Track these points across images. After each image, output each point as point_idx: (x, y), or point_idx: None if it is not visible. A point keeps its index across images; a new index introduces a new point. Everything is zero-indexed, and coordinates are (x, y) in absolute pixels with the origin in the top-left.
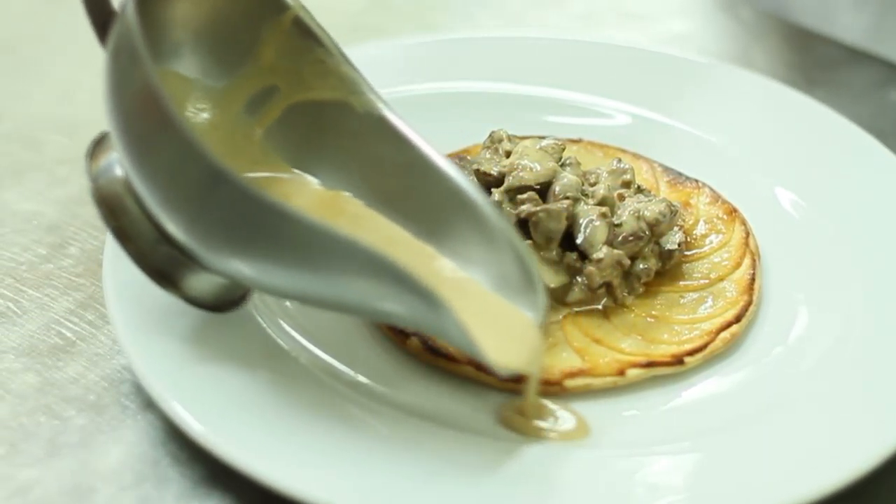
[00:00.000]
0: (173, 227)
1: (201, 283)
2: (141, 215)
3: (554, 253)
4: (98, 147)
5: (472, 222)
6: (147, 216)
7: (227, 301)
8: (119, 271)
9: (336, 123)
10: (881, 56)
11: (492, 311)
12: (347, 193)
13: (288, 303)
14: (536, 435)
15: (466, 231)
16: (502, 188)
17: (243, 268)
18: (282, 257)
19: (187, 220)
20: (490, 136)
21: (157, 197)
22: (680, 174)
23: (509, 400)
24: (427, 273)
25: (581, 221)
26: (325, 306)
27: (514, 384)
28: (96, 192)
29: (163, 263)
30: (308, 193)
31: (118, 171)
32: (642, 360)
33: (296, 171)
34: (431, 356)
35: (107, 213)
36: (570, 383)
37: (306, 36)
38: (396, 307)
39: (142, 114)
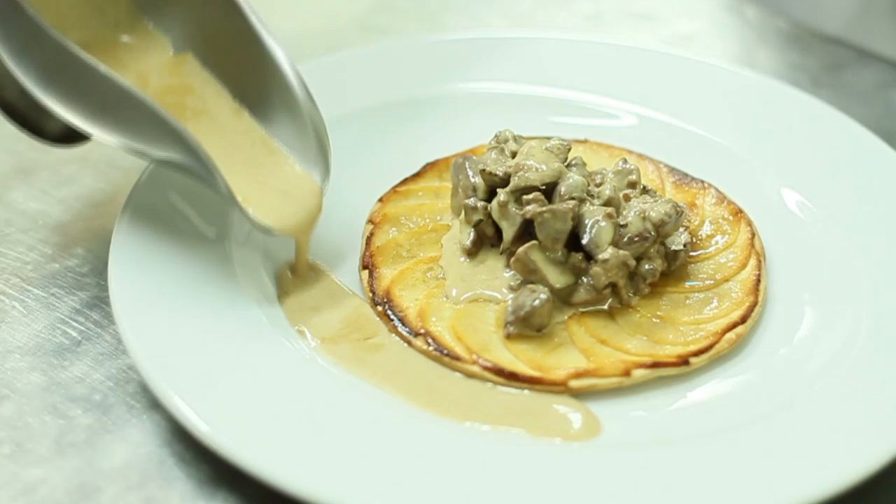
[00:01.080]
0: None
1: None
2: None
3: (559, 253)
4: None
5: (283, 95)
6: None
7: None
8: (124, 271)
9: None
10: (863, 46)
11: (280, 176)
12: (190, 54)
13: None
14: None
15: (277, 100)
16: (508, 188)
17: (65, 112)
18: (89, 104)
19: (31, 72)
20: (496, 136)
21: (9, 53)
22: (685, 175)
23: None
24: (221, 129)
25: (587, 222)
26: (123, 148)
27: (520, 382)
28: None
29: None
30: (158, 57)
31: None
32: (648, 360)
33: (150, 25)
34: (437, 354)
35: None
36: (576, 383)
37: None
38: (175, 156)
39: None
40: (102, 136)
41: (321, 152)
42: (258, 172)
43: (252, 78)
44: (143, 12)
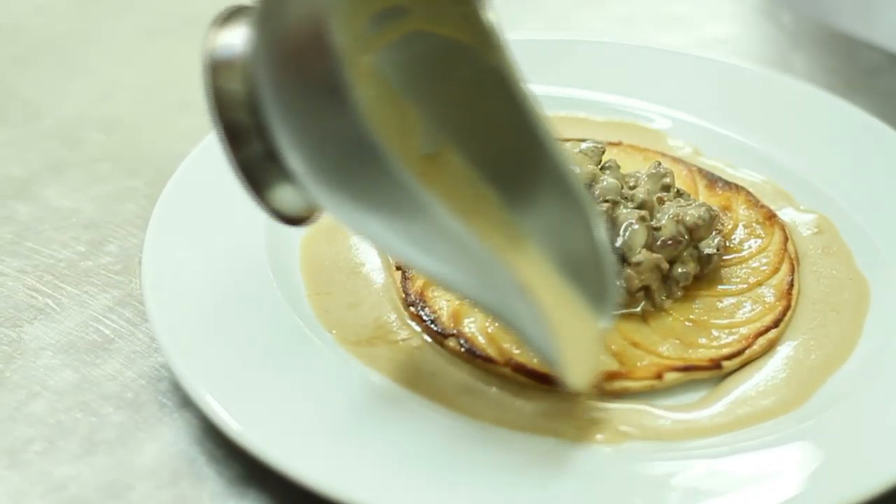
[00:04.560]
0: (288, 148)
1: (284, 196)
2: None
3: None
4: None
5: (565, 206)
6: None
7: (301, 218)
8: (157, 269)
9: (457, 67)
10: None
11: (569, 316)
12: (450, 146)
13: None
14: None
15: (554, 214)
16: None
17: (339, 206)
18: (377, 208)
19: (304, 145)
20: None
21: (279, 113)
22: (719, 178)
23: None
24: (513, 260)
25: (620, 225)
26: (416, 268)
27: (553, 384)
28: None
29: (256, 169)
30: (412, 142)
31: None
32: (680, 364)
33: (405, 99)
34: (470, 356)
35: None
36: (607, 386)
37: None
38: (481, 294)
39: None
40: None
41: (606, 288)
42: (555, 315)
43: (527, 184)
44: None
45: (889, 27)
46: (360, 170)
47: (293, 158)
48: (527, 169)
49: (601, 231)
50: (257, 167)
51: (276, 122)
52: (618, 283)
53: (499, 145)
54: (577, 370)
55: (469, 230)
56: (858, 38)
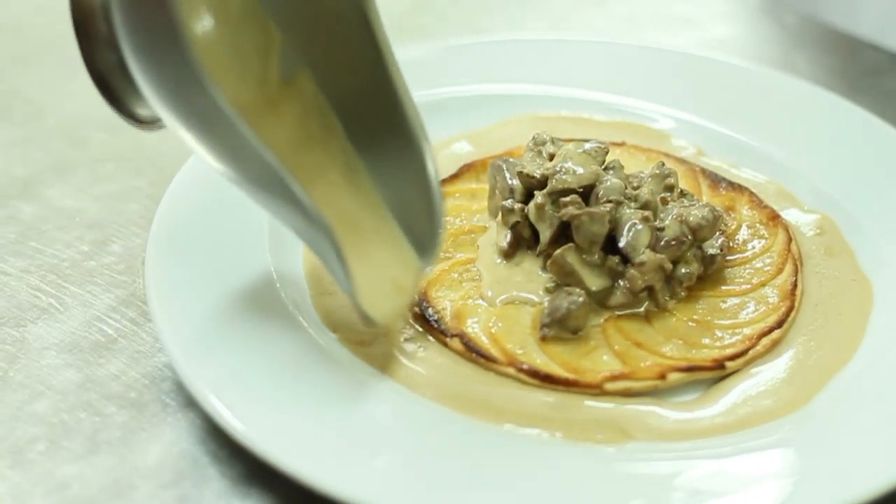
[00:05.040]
0: (132, 63)
1: (135, 104)
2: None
3: (596, 256)
4: None
5: (405, 154)
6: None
7: (153, 121)
8: (161, 269)
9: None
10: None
11: (383, 252)
12: (306, 73)
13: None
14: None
15: (395, 158)
16: (545, 191)
17: (174, 124)
18: (203, 133)
19: (146, 69)
20: (534, 138)
21: (124, 31)
22: (722, 179)
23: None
24: (333, 196)
25: (624, 225)
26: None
27: (556, 384)
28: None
29: (109, 76)
30: (272, 63)
31: None
32: (683, 364)
33: (270, 20)
34: (472, 356)
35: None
36: (611, 386)
37: None
38: (292, 221)
39: None
40: (213, 165)
41: (433, 234)
42: (365, 247)
43: (372, 122)
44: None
45: (872, 20)
46: (189, 98)
47: (136, 74)
48: (375, 109)
49: (435, 181)
50: (111, 74)
51: (122, 37)
52: (442, 230)
53: (352, 82)
54: (380, 306)
55: (281, 164)
56: (843, 31)
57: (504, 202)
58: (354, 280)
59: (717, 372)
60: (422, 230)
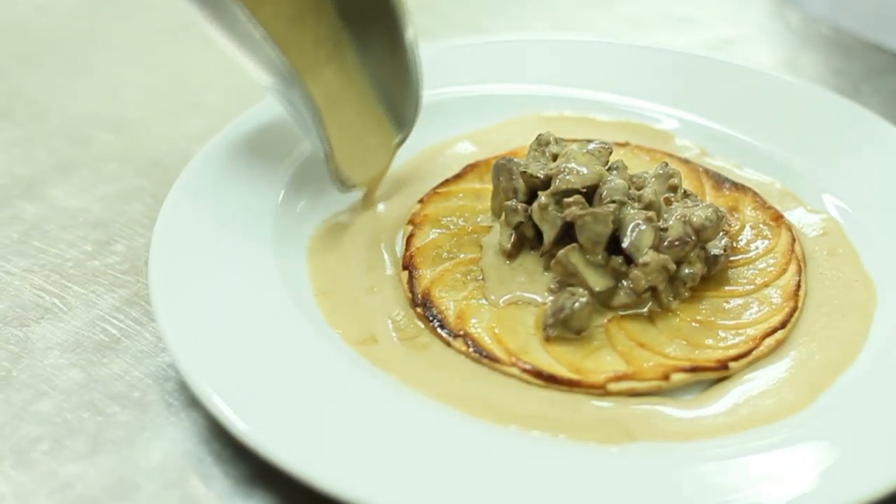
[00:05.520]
0: None
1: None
2: None
3: (599, 256)
4: None
5: (389, 28)
6: None
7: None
8: (164, 268)
9: None
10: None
11: (361, 121)
12: None
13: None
14: None
15: (379, 32)
16: (549, 191)
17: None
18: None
19: None
20: (537, 138)
21: None
22: (726, 179)
23: None
24: (320, 62)
25: (627, 225)
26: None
27: (559, 385)
28: None
29: None
30: None
31: None
32: (687, 364)
33: None
34: (475, 356)
35: None
36: (614, 387)
37: None
38: (271, 79)
39: None
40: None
41: (412, 104)
42: (345, 115)
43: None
44: None
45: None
46: None
47: None
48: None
49: (415, 53)
50: None
51: None
52: (420, 102)
53: None
54: (356, 171)
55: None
56: (868, 41)
57: (507, 202)
58: (332, 143)
59: (721, 372)
60: (401, 102)
